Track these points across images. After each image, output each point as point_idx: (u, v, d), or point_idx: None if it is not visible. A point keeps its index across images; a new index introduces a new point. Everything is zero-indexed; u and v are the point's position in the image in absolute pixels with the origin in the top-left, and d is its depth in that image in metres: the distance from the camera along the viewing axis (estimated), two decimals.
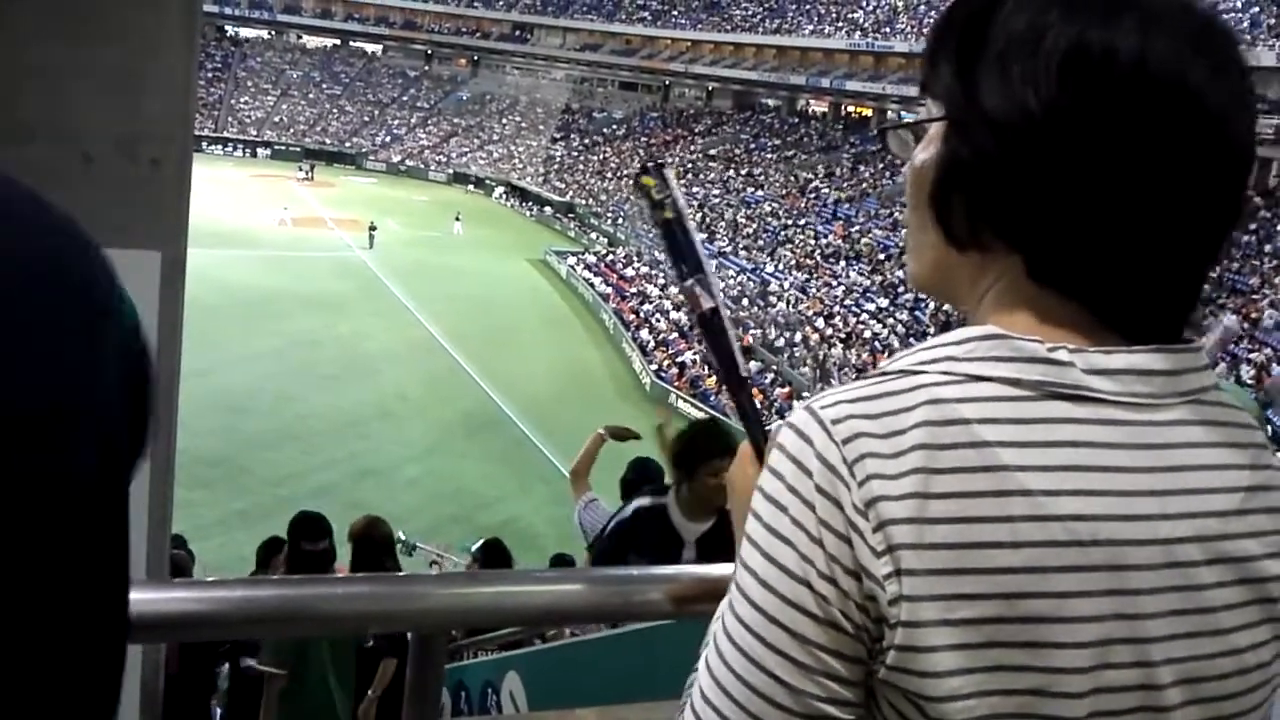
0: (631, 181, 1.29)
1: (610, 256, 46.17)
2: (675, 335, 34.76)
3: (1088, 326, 0.83)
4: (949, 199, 0.88)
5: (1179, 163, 0.80)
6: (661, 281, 40.84)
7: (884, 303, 34.75)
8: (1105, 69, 0.80)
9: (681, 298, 1.28)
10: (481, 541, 8.04)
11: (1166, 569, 0.80)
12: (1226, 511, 0.83)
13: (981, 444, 0.78)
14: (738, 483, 1.11)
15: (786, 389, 29.92)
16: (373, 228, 46.95)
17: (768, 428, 1.23)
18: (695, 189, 54.65)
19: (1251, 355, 25.57)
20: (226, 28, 79.63)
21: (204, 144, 63.31)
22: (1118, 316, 0.84)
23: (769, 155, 57.35)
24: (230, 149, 68.78)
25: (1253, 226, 31.07)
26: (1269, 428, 19.99)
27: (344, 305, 35.84)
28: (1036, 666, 0.77)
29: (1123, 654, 0.79)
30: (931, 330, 31.86)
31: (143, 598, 1.42)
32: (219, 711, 6.37)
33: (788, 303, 36.34)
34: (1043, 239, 0.83)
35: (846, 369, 29.96)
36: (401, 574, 6.22)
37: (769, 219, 46.91)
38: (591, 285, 41.36)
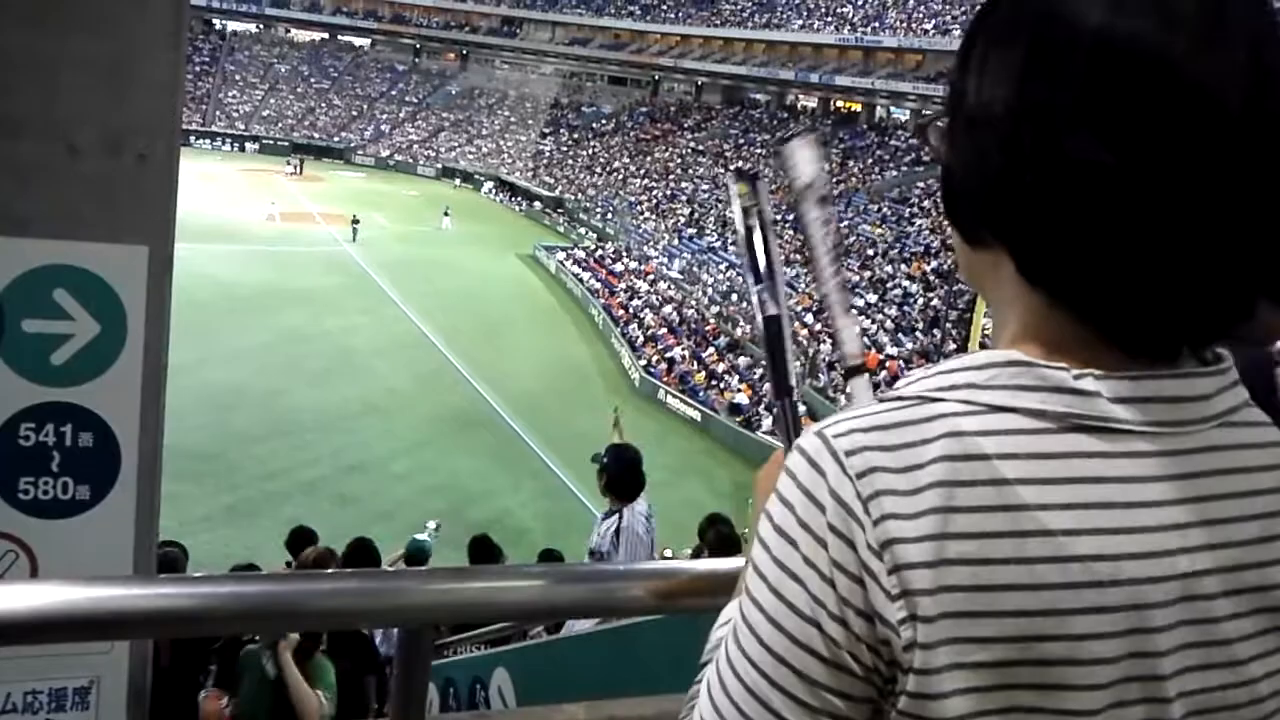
0: (730, 175, 1.30)
1: (599, 252, 46.10)
2: (664, 331, 34.75)
3: (1090, 339, 0.80)
4: (953, 196, 0.87)
5: (1161, 150, 0.73)
6: (651, 277, 40.83)
7: (873, 298, 34.77)
8: (1068, 54, 0.75)
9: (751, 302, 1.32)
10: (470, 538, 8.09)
11: (1183, 603, 0.77)
12: (1249, 540, 0.81)
13: (1002, 481, 0.75)
14: (764, 486, 1.12)
15: None
16: (355, 221, 46.78)
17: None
18: (684, 184, 54.64)
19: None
20: (214, 21, 79.31)
21: (191, 138, 63.15)
22: (1116, 328, 0.79)
23: (758, 150, 57.28)
24: (218, 143, 68.54)
25: None
26: None
27: (332, 300, 35.72)
28: (1050, 709, 0.75)
29: (1135, 692, 0.76)
30: (920, 326, 31.91)
31: (129, 593, 1.42)
32: None
33: None
34: (1025, 239, 0.80)
35: (836, 364, 29.99)
36: (389, 570, 6.23)
37: None
38: (580, 280, 41.26)
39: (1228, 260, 0.77)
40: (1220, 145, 0.73)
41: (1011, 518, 0.74)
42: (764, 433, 25.42)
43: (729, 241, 44.14)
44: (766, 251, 1.29)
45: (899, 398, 0.81)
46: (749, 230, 1.30)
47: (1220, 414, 0.82)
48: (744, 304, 36.20)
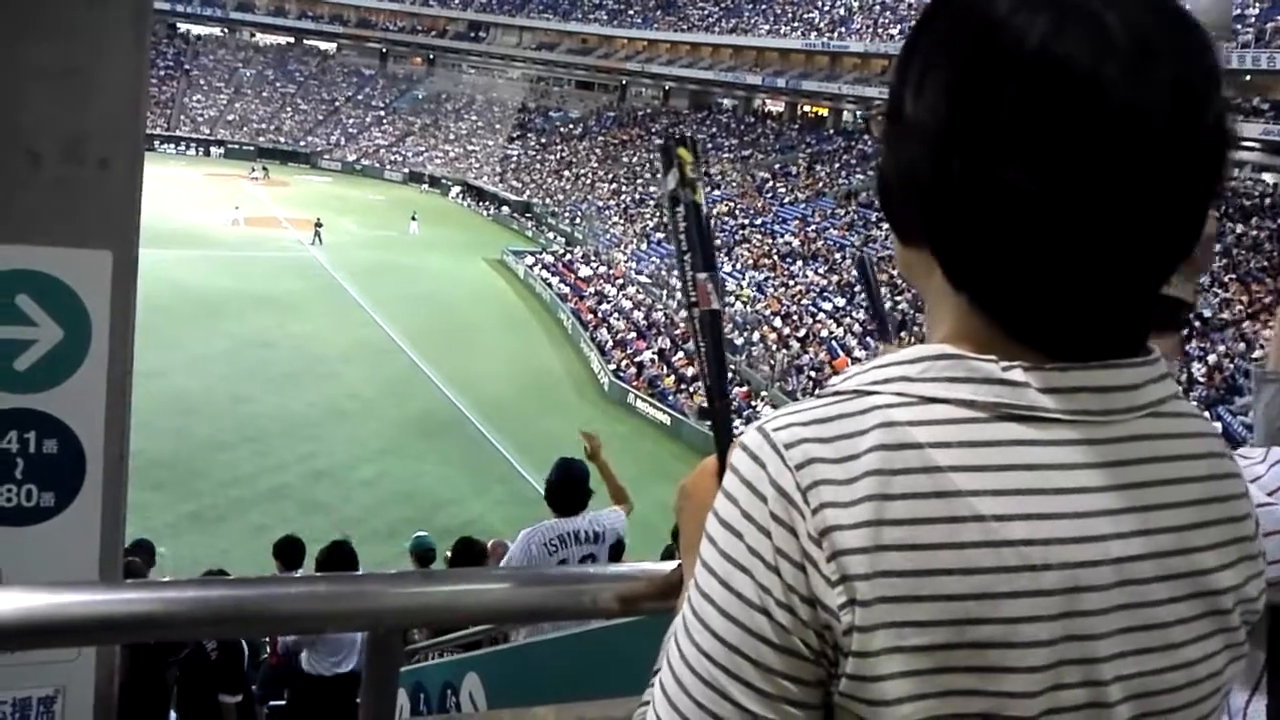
0: (659, 149, 1.12)
1: (568, 256, 46.06)
2: (633, 335, 34.76)
3: (1016, 339, 0.82)
4: (888, 196, 0.90)
5: (1083, 176, 0.76)
6: (620, 281, 40.80)
7: (840, 302, 34.92)
8: (1001, 77, 0.77)
9: (686, 288, 1.16)
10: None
11: (1118, 588, 0.80)
12: (1181, 526, 0.83)
13: (935, 469, 0.77)
14: (692, 493, 1.13)
15: (745, 388, 30.02)
16: (318, 224, 46.58)
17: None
18: (652, 188, 54.69)
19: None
20: (178, 25, 78.69)
21: (156, 143, 62.57)
22: (1036, 334, 0.82)
23: (725, 155, 57.44)
24: (183, 148, 68.08)
25: None
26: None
27: (299, 305, 35.52)
28: (987, 691, 0.77)
29: (1073, 675, 0.79)
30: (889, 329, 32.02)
31: (95, 599, 1.41)
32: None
33: (745, 302, 36.45)
34: (950, 247, 0.83)
35: (805, 368, 30.12)
36: (356, 574, 6.20)
37: (726, 218, 46.98)
38: (549, 285, 41.24)
39: (1138, 272, 0.82)
40: (1138, 171, 0.77)
41: (945, 504, 0.77)
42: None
43: None
44: (708, 234, 1.17)
45: (835, 392, 0.84)
46: (693, 207, 1.14)
47: (1149, 404, 0.85)
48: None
